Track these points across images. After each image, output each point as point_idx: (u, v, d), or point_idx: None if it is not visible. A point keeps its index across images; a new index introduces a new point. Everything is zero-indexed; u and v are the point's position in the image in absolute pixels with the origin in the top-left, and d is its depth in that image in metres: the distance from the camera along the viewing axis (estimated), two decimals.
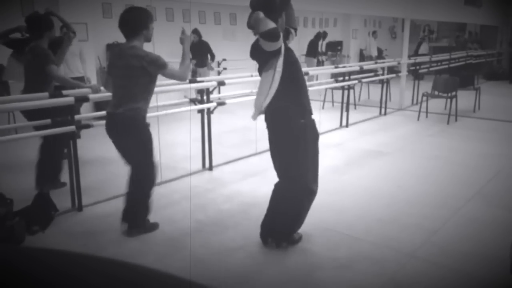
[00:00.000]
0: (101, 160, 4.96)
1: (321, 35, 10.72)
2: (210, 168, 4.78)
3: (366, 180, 4.45)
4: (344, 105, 6.99)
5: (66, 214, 3.56)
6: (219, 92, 6.12)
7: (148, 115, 4.68)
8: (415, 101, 8.90)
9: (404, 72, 8.79)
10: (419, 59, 9.63)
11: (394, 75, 8.66)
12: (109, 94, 3.50)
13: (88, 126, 3.86)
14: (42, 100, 3.48)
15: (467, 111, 8.01)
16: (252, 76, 5.76)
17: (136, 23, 3.03)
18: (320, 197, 3.41)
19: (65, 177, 3.96)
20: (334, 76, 7.88)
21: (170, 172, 4.49)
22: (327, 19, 12.37)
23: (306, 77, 4.66)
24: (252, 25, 2.62)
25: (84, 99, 3.61)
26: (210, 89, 4.69)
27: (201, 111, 4.69)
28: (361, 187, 4.24)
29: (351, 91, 7.25)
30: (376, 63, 9.05)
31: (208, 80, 4.90)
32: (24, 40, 4.34)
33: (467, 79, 8.47)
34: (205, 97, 4.66)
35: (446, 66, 10.48)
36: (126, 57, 3.01)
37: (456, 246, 3.05)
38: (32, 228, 3.21)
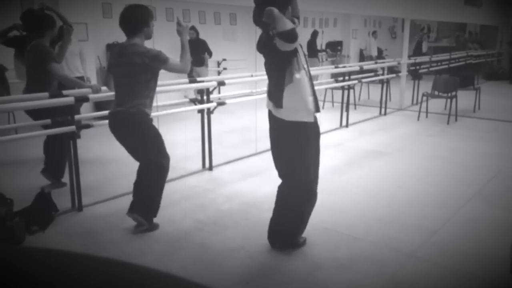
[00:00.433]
0: (101, 160, 4.97)
1: (317, 33, 10.72)
2: (210, 168, 4.78)
3: (366, 180, 4.45)
4: (344, 105, 6.99)
5: (66, 214, 3.56)
6: (219, 92, 6.12)
7: None
8: (415, 101, 8.90)
9: (404, 72, 8.79)
10: (419, 59, 9.63)
11: (394, 75, 8.67)
12: (109, 94, 3.51)
13: (88, 126, 3.86)
14: (42, 100, 3.48)
15: (467, 111, 8.02)
16: (252, 76, 5.76)
17: (136, 20, 3.04)
18: (320, 197, 3.41)
19: (65, 177, 3.96)
20: (334, 76, 7.89)
21: (170, 172, 4.45)
22: (327, 19, 12.37)
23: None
24: (264, 21, 2.53)
25: (84, 99, 3.61)
26: (210, 89, 4.69)
27: (201, 111, 4.69)
28: (361, 187, 4.24)
29: (351, 91, 7.25)
30: (376, 63, 9.06)
31: (208, 80, 4.90)
32: (23, 38, 4.34)
33: (467, 79, 8.47)
34: (205, 97, 4.66)
35: (446, 66, 10.48)
36: (127, 54, 3.02)
37: (456, 246, 3.05)
38: (32, 228, 3.21)
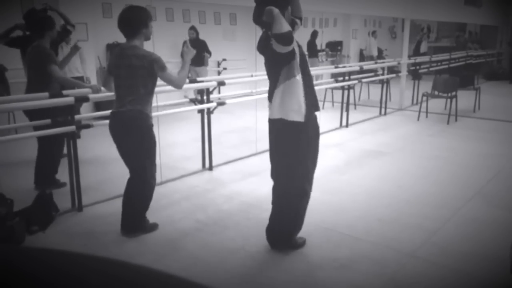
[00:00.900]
0: (101, 160, 4.97)
1: (317, 33, 10.71)
2: (210, 168, 4.78)
3: (366, 180, 4.45)
4: (344, 105, 6.99)
5: (66, 214, 3.56)
6: (219, 92, 6.12)
7: None
8: (415, 101, 8.90)
9: (404, 72, 8.79)
10: (419, 59, 9.63)
11: (394, 75, 8.67)
12: (109, 94, 3.52)
13: (88, 126, 3.86)
14: (42, 100, 3.48)
15: (467, 111, 8.02)
16: (252, 76, 5.76)
17: (135, 22, 3.03)
18: (320, 197, 3.42)
19: (65, 177, 3.96)
20: (334, 76, 7.89)
21: (170, 172, 4.49)
22: (327, 19, 12.37)
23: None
24: (264, 20, 2.54)
25: (84, 99, 3.61)
26: (210, 89, 4.69)
27: (201, 111, 4.69)
28: (361, 187, 4.24)
29: (351, 91, 7.25)
30: (376, 63, 9.06)
31: (208, 80, 4.90)
32: (26, 37, 4.35)
33: (467, 79, 8.47)
34: (205, 97, 4.66)
35: (446, 66, 10.48)
36: (127, 57, 3.02)
37: (456, 246, 3.05)
38: (32, 228, 3.21)
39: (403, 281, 2.65)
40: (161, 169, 4.47)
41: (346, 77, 7.09)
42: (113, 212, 3.55)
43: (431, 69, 9.91)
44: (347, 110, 7.03)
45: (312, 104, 2.78)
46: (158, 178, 4.30)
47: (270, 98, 2.80)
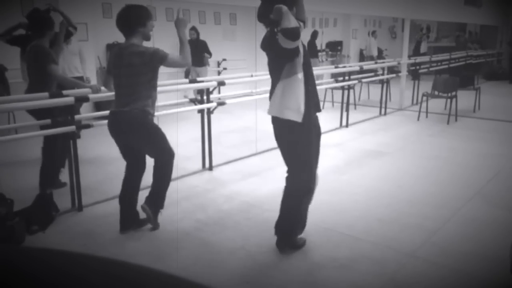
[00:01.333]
0: (101, 160, 4.97)
1: (317, 33, 10.71)
2: (210, 168, 4.78)
3: (366, 180, 4.45)
4: (344, 105, 6.99)
5: (66, 214, 3.57)
6: (219, 92, 6.12)
7: None
8: (415, 101, 8.90)
9: (404, 72, 8.79)
10: (419, 59, 9.63)
11: (394, 75, 8.67)
12: (109, 94, 3.52)
13: (88, 126, 3.86)
14: (42, 100, 3.48)
15: (467, 111, 8.02)
16: (252, 76, 5.77)
17: (132, 21, 3.03)
18: (320, 197, 3.41)
19: (65, 177, 3.96)
20: (334, 76, 7.89)
21: None
22: (327, 19, 12.37)
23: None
24: (270, 19, 2.55)
25: (84, 99, 3.61)
26: (210, 89, 4.69)
27: (201, 111, 4.69)
28: (361, 187, 4.23)
29: (351, 91, 7.25)
30: (376, 63, 9.06)
31: (208, 80, 4.90)
32: (28, 37, 4.35)
33: (467, 79, 8.47)
34: (205, 97, 4.66)
35: (446, 66, 10.48)
36: (126, 55, 3.01)
37: (456, 246, 3.05)
38: (32, 228, 3.21)
39: (403, 281, 2.65)
40: None
41: (346, 77, 7.09)
42: (113, 212, 3.55)
43: (431, 69, 9.91)
44: (347, 110, 7.03)
45: (313, 105, 2.78)
46: None
47: (270, 96, 2.81)
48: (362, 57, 12.92)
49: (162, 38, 8.18)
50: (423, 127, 7.02)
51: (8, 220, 3.05)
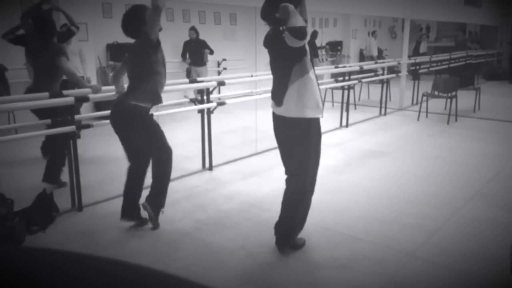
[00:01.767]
0: (101, 160, 4.97)
1: (317, 33, 10.70)
2: (210, 168, 4.78)
3: (366, 180, 4.45)
4: (344, 105, 6.99)
5: (66, 214, 3.56)
6: (219, 92, 6.12)
7: None
8: (415, 101, 8.90)
9: (404, 72, 8.79)
10: (419, 59, 9.63)
11: (394, 75, 8.67)
12: (109, 94, 3.55)
13: (88, 126, 3.86)
14: (42, 100, 3.49)
15: (467, 111, 8.02)
16: (252, 76, 5.77)
17: (132, 22, 3.06)
18: (320, 197, 3.41)
19: (65, 177, 3.96)
20: (334, 76, 7.89)
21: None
22: (327, 19, 12.37)
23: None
24: (277, 17, 2.55)
25: (84, 99, 3.61)
26: (210, 89, 4.69)
27: (201, 111, 4.69)
28: (361, 187, 4.23)
29: (351, 91, 7.25)
30: (376, 63, 9.06)
31: (208, 80, 4.90)
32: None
33: (467, 79, 8.47)
34: (205, 97, 4.66)
35: (446, 66, 10.48)
36: (131, 49, 3.17)
37: (456, 246, 3.05)
38: (32, 228, 3.21)
39: (403, 281, 2.65)
40: None
41: (346, 77, 7.09)
42: (113, 212, 3.55)
43: (431, 69, 9.91)
44: (347, 110, 7.03)
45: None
46: None
47: (280, 97, 2.73)
48: (362, 57, 12.91)
49: (162, 38, 8.18)
50: (423, 127, 7.02)
51: (8, 220, 3.05)
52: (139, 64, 3.10)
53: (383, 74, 8.44)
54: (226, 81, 4.85)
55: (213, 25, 9.79)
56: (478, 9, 11.15)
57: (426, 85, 8.50)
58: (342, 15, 12.69)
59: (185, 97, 5.90)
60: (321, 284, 2.63)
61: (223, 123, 6.42)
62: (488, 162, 5.04)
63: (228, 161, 5.08)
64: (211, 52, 8.44)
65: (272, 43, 2.73)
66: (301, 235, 3.06)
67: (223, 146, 5.50)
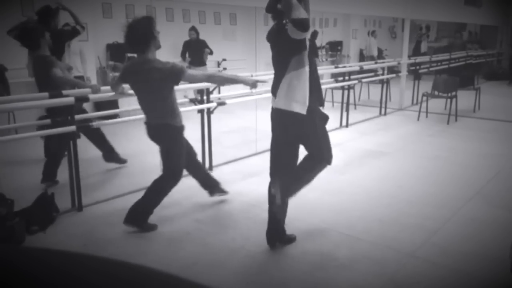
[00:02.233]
0: (101, 160, 4.96)
1: (317, 33, 10.69)
2: (210, 168, 4.77)
3: (366, 180, 4.45)
4: (344, 105, 6.99)
5: (66, 214, 3.56)
6: (219, 92, 6.12)
7: None
8: (415, 101, 8.90)
9: (404, 72, 8.79)
10: (419, 59, 9.63)
11: (394, 75, 8.66)
12: (109, 94, 3.56)
13: (88, 126, 3.86)
14: (42, 100, 3.49)
15: (467, 111, 8.02)
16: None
17: (141, 37, 2.98)
18: (320, 197, 3.41)
19: (65, 176, 3.96)
20: (334, 76, 7.89)
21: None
22: (327, 19, 12.37)
23: None
24: (280, 9, 2.58)
25: (84, 99, 3.61)
26: (210, 89, 4.69)
27: (201, 111, 4.69)
28: (361, 187, 4.23)
29: (351, 91, 7.24)
30: (376, 63, 9.06)
31: None
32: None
33: (467, 79, 8.47)
34: (205, 97, 4.65)
35: (446, 66, 10.48)
36: (144, 72, 3.01)
37: (456, 246, 3.05)
38: (32, 228, 3.21)
39: (403, 281, 2.65)
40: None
41: (346, 77, 7.09)
42: (113, 212, 3.55)
43: (431, 69, 9.91)
44: (347, 110, 7.03)
45: (316, 99, 2.82)
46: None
47: (275, 89, 2.79)
48: (362, 57, 12.91)
49: (162, 38, 8.18)
50: (423, 127, 7.02)
51: (8, 220, 3.05)
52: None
53: (383, 74, 8.43)
54: None
55: (213, 25, 9.78)
56: (478, 9, 11.14)
57: (426, 85, 8.50)
58: (342, 15, 12.69)
59: (185, 97, 5.89)
60: (321, 284, 2.63)
61: (223, 123, 6.42)
62: (488, 162, 5.04)
63: (228, 161, 5.08)
64: (211, 52, 8.43)
65: (275, 37, 2.76)
66: (302, 234, 3.07)
67: (223, 146, 5.50)
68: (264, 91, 5.36)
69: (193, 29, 8.23)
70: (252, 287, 2.60)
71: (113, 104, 5.36)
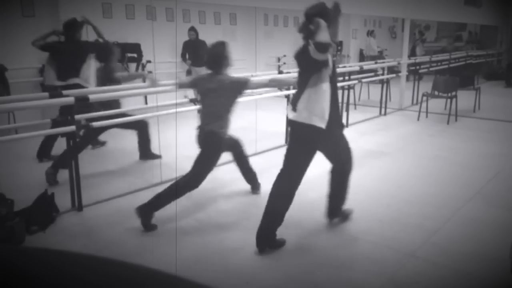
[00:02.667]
0: (101, 160, 4.97)
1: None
2: None
3: (366, 180, 4.44)
4: (344, 105, 6.98)
5: (66, 214, 3.56)
6: None
7: (148, 114, 4.73)
8: (415, 101, 8.90)
9: (404, 72, 8.79)
10: (419, 59, 9.63)
11: (394, 75, 8.66)
12: (109, 94, 3.57)
13: (88, 126, 3.86)
14: (42, 100, 3.49)
15: (467, 111, 8.02)
16: (252, 76, 5.75)
17: (220, 60, 3.40)
18: (320, 197, 3.42)
19: (65, 176, 3.96)
20: None
21: (170, 172, 4.48)
22: None
23: None
24: (310, 29, 2.79)
25: (84, 99, 3.61)
26: None
27: None
28: (361, 187, 4.23)
29: (351, 91, 7.24)
30: (376, 63, 9.06)
31: None
32: (60, 43, 4.86)
33: (467, 79, 8.46)
34: None
35: (446, 66, 10.48)
36: (215, 81, 3.38)
37: (456, 246, 3.05)
38: (32, 228, 3.21)
39: (403, 281, 2.65)
40: (161, 168, 4.48)
41: (346, 77, 7.09)
42: (113, 212, 3.56)
43: (431, 69, 9.91)
44: (347, 110, 7.03)
45: (334, 120, 2.95)
46: (158, 178, 4.32)
47: (295, 102, 2.96)
48: (362, 57, 12.91)
49: (162, 38, 8.20)
50: (423, 127, 7.02)
51: (8, 220, 3.06)
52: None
53: (383, 74, 8.43)
54: None
55: (213, 25, 9.78)
56: (478, 9, 11.14)
57: (426, 85, 8.50)
58: (342, 15, 12.67)
59: (185, 97, 5.90)
60: (321, 284, 2.63)
61: None
62: (488, 162, 5.04)
63: (228, 161, 5.08)
64: None
65: (301, 55, 2.98)
66: (302, 233, 3.07)
67: None
68: (264, 91, 5.37)
69: (192, 29, 8.23)
70: (252, 287, 2.60)
71: (112, 104, 5.37)
